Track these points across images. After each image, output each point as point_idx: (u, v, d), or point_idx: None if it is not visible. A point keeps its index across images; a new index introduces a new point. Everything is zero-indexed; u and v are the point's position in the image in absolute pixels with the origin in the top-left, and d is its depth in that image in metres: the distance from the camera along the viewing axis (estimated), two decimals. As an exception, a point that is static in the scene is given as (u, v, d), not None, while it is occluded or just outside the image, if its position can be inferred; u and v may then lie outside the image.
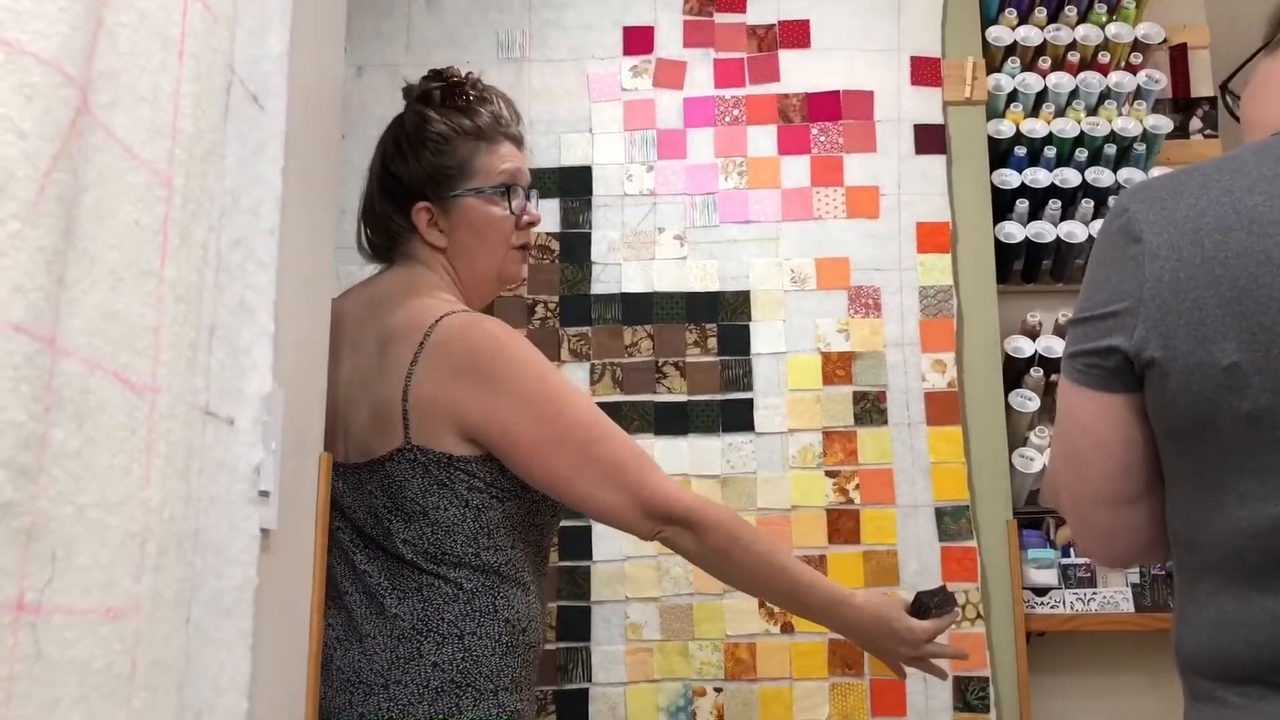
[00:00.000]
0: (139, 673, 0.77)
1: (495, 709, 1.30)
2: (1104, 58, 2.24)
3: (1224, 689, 0.94)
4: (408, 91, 1.53)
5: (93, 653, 0.71)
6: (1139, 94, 2.23)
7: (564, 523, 1.99)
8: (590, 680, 1.97)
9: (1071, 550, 2.08)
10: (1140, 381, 0.99)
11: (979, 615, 1.98)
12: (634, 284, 2.13)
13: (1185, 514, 0.99)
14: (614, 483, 1.33)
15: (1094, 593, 2.03)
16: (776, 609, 1.98)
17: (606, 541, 2.01)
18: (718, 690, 1.97)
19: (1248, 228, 0.93)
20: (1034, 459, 2.06)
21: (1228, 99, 1.24)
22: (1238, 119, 1.18)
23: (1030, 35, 2.24)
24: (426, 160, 1.45)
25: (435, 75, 1.52)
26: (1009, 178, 2.18)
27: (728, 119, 2.19)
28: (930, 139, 2.17)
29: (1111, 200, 2.14)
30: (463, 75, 1.51)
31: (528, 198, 1.52)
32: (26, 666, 0.64)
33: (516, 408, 1.32)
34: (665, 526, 1.35)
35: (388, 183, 1.49)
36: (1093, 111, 2.23)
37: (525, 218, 1.50)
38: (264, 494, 1.01)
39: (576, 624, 1.99)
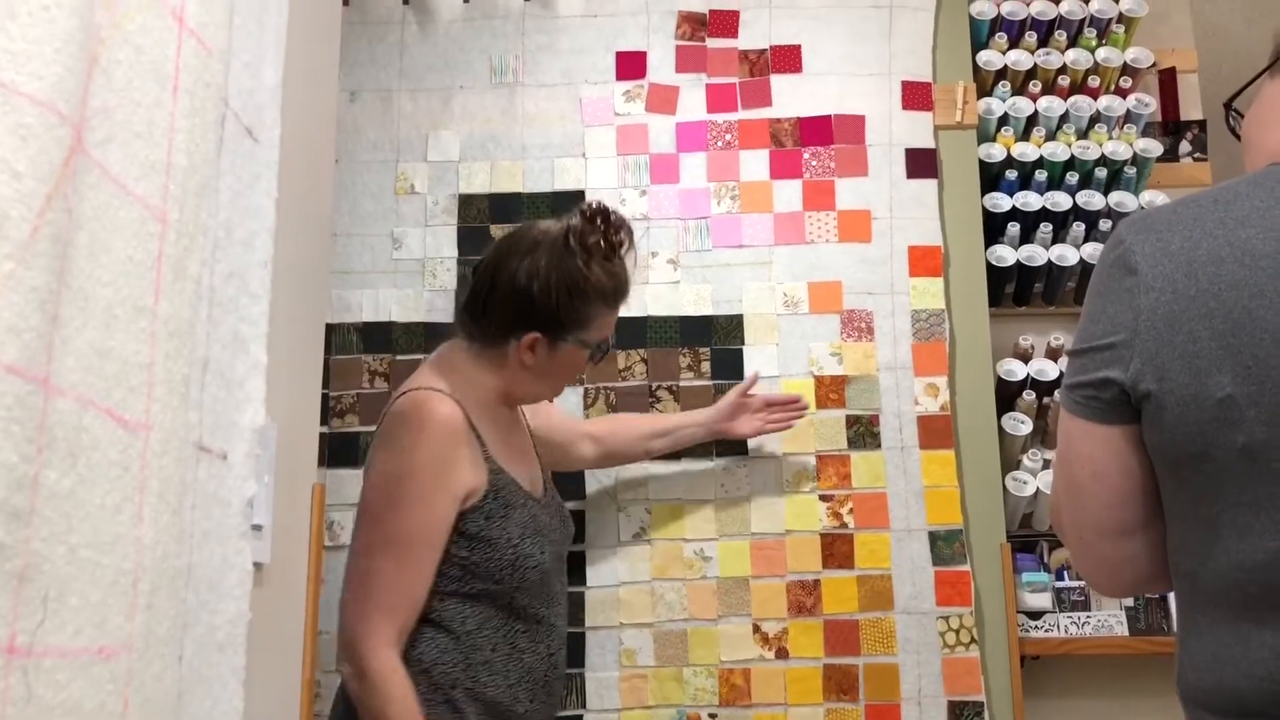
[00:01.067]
0: (131, 712, 0.76)
1: None
2: (1094, 82, 2.25)
3: None
4: (576, 231, 1.55)
5: (85, 693, 0.71)
6: (1129, 118, 2.25)
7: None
8: (585, 707, 1.95)
9: (1065, 574, 2.08)
10: (1137, 413, 0.99)
11: (973, 639, 1.97)
12: (627, 308, 2.11)
13: (1184, 546, 0.99)
14: (352, 599, 1.47)
15: (1088, 616, 2.03)
16: (771, 634, 1.97)
17: (601, 567, 2.01)
18: (712, 716, 1.95)
19: (1240, 260, 0.93)
20: (1027, 482, 2.06)
21: (1230, 117, 1.24)
22: (1239, 137, 1.18)
23: (1021, 59, 2.25)
24: (566, 306, 1.54)
25: (602, 219, 1.57)
26: (1000, 201, 2.19)
27: (720, 143, 2.20)
28: (921, 163, 2.18)
29: (1103, 224, 2.16)
30: (615, 216, 1.59)
31: None
32: (18, 710, 0.64)
33: (365, 485, 1.52)
34: (345, 664, 1.46)
35: (516, 301, 1.55)
36: (1083, 135, 2.24)
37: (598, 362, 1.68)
38: (257, 527, 1.01)
39: (571, 650, 1.97)
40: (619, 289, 1.58)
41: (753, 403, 1.98)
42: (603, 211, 1.57)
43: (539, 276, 1.53)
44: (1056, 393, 2.10)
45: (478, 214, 2.17)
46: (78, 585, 0.70)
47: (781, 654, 1.97)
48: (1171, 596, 1.99)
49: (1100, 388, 1.00)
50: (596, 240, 1.54)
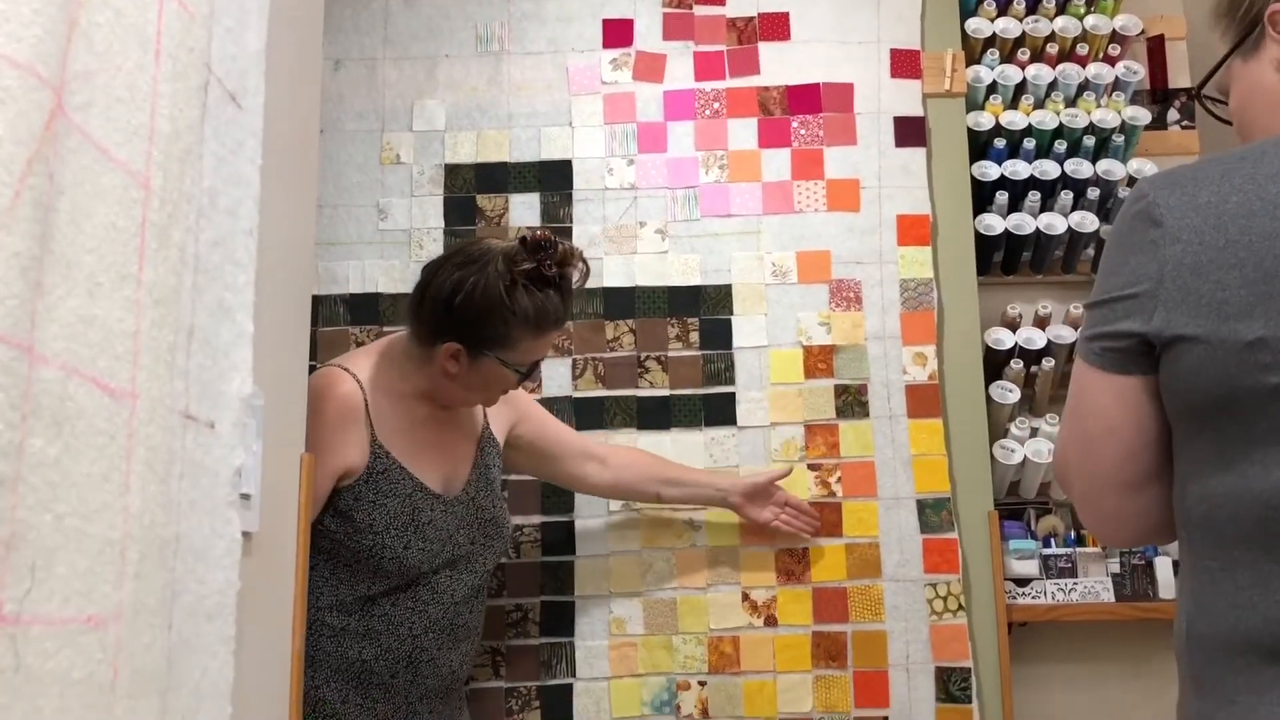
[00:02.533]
0: (121, 681, 0.76)
1: None
2: (1082, 49, 2.25)
3: (1234, 676, 0.94)
4: (509, 255, 1.58)
5: (73, 662, 0.70)
6: (1117, 85, 2.24)
7: (546, 519, 2.00)
8: (574, 675, 1.96)
9: (1052, 541, 2.09)
10: (1156, 364, 1.00)
11: (961, 606, 1.98)
12: (615, 278, 2.12)
13: (1200, 491, 0.99)
14: None
15: (1075, 583, 2.04)
16: (760, 602, 1.98)
17: (590, 537, 2.01)
18: (701, 684, 1.97)
19: (1272, 213, 0.95)
20: (1015, 450, 2.06)
21: (1207, 104, 1.24)
22: (1224, 121, 1.19)
23: (1009, 27, 2.24)
24: (485, 324, 1.58)
25: (541, 251, 1.58)
26: (988, 170, 2.19)
27: (708, 112, 2.18)
28: (910, 131, 2.17)
29: (1091, 192, 2.16)
30: (559, 250, 1.60)
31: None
32: (6, 679, 0.64)
33: None
34: None
35: (440, 309, 1.59)
36: (1071, 103, 2.23)
37: (526, 383, 1.71)
38: (245, 497, 1.00)
39: (560, 619, 1.98)
40: (543, 319, 1.59)
41: (776, 494, 1.97)
42: (544, 243, 1.58)
43: (463, 291, 1.57)
44: (1045, 361, 2.10)
45: (464, 184, 2.15)
46: (65, 554, 0.70)
47: (770, 622, 1.98)
48: (1159, 561, 2.02)
49: (1120, 338, 1.01)
50: (530, 269, 1.57)
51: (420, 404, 1.67)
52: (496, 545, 1.74)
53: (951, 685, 1.96)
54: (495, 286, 1.55)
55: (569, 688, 1.96)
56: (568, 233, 2.14)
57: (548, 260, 1.57)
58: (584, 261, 1.65)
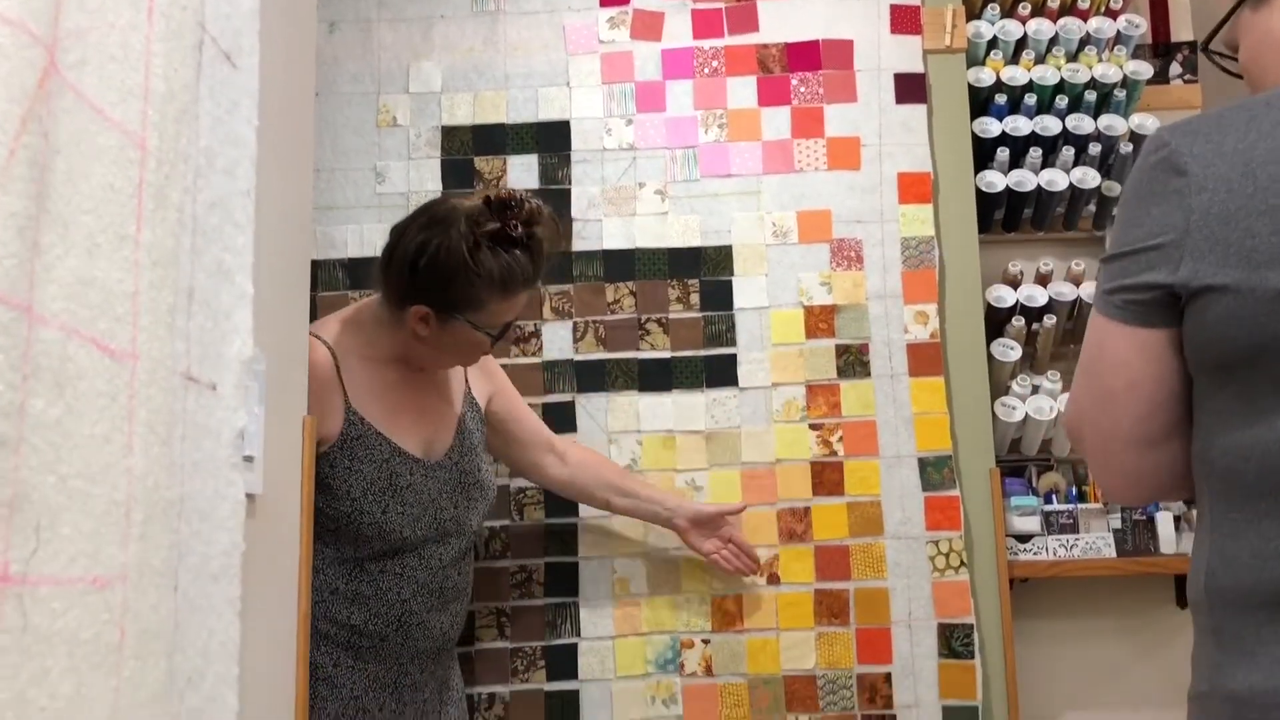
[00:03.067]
0: (128, 642, 0.77)
1: None
2: (1083, 3, 2.22)
3: (1256, 628, 0.93)
4: (472, 215, 1.55)
5: (81, 623, 0.71)
6: (1119, 39, 2.22)
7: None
8: (579, 635, 1.98)
9: (1054, 498, 2.10)
10: (1179, 316, 0.98)
11: (963, 563, 1.99)
12: (615, 240, 2.11)
13: (1225, 444, 0.98)
14: None
15: (1076, 539, 2.05)
16: (763, 561, 1.99)
17: (592, 498, 2.01)
18: (705, 642, 1.98)
19: None
20: (1016, 408, 2.06)
21: (1214, 58, 1.22)
22: (1233, 75, 1.17)
23: (1010, -19, 2.22)
24: (449, 287, 1.55)
25: (507, 209, 1.55)
26: (989, 126, 2.17)
27: (707, 70, 2.17)
28: (910, 88, 2.15)
29: (1092, 148, 2.14)
30: (525, 209, 1.57)
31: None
32: (14, 638, 0.64)
33: None
34: None
35: (406, 271, 1.56)
36: (1073, 58, 2.21)
37: (499, 345, 1.67)
38: (248, 459, 1.00)
39: (564, 580, 1.99)
40: (510, 281, 1.56)
41: (722, 528, 1.92)
42: (510, 201, 1.56)
43: (426, 253, 1.54)
44: (1047, 318, 2.10)
45: (461, 146, 2.14)
46: (69, 515, 0.70)
47: (773, 580, 1.99)
48: (1160, 517, 2.03)
49: (1143, 290, 0.99)
50: (495, 229, 1.54)
51: (395, 368, 1.65)
52: (481, 507, 1.73)
53: (954, 641, 1.97)
54: (459, 248, 1.52)
55: (574, 647, 1.97)
56: (566, 194, 2.12)
57: (513, 220, 1.54)
58: (554, 219, 1.61)
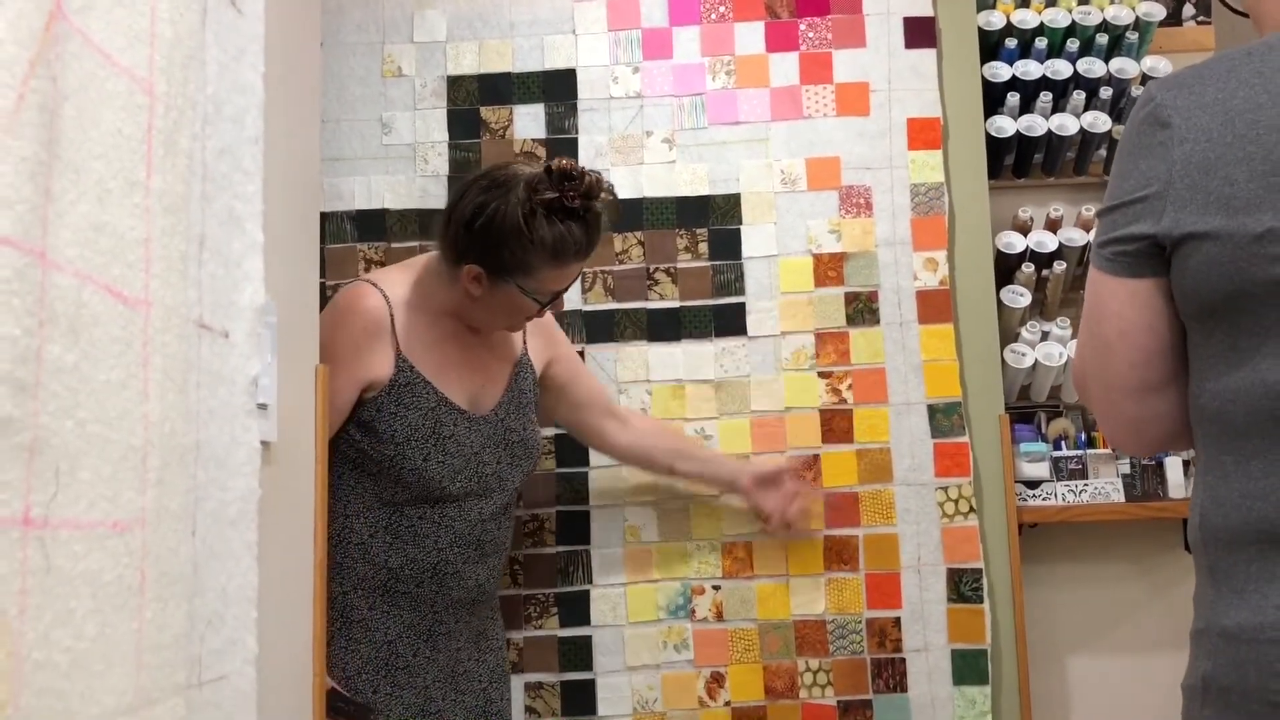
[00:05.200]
0: (149, 585, 0.78)
1: None
2: (1096, -56, 2.19)
3: (1246, 565, 0.96)
4: (532, 182, 1.56)
5: (103, 565, 0.72)
6: (1132, -19, 2.19)
7: (559, 430, 2.01)
8: (591, 582, 1.99)
9: (1063, 443, 2.10)
10: (1167, 265, 1.01)
11: (972, 509, 2.00)
12: (623, 189, 2.10)
13: (1214, 388, 1.00)
14: None
15: (1085, 484, 2.06)
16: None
17: (603, 447, 2.02)
18: (716, 588, 2.00)
19: (1279, 105, 0.94)
20: (1025, 354, 2.06)
21: None
22: (1241, 13, 1.18)
23: (1021, -78, 2.18)
24: (503, 249, 1.57)
25: (566, 179, 1.56)
26: (999, 70, 2.15)
27: (714, 16, 2.14)
28: (920, 32, 2.13)
29: (1103, 91, 2.12)
30: (585, 182, 1.58)
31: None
32: (38, 580, 0.65)
33: None
34: None
35: (463, 231, 1.59)
36: (1084, 0, 2.18)
37: (547, 310, 1.69)
38: (262, 406, 1.01)
39: (576, 528, 2.01)
40: (562, 250, 1.58)
41: (786, 486, 1.91)
42: (569, 171, 1.57)
43: (484, 214, 1.56)
44: (1057, 264, 2.09)
45: (467, 96, 2.13)
46: (88, 460, 0.71)
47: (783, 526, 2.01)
48: (1169, 461, 2.04)
49: (1131, 241, 1.02)
50: (551, 198, 1.55)
51: (449, 321, 1.68)
52: (524, 465, 1.76)
53: (963, 586, 1.98)
54: (515, 213, 1.55)
55: (586, 594, 1.99)
56: (573, 144, 2.11)
57: (571, 191, 1.56)
58: (614, 196, 1.63)
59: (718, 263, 2.09)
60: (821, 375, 2.05)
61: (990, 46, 2.18)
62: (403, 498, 1.63)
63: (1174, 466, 2.05)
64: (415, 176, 2.10)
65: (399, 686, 1.64)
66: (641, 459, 1.93)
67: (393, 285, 1.65)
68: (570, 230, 1.57)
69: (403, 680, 1.64)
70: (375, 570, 1.63)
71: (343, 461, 1.62)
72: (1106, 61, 2.14)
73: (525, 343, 1.80)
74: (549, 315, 1.83)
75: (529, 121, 2.12)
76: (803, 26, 2.14)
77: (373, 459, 1.61)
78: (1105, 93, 2.13)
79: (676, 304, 2.07)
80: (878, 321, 2.07)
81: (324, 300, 2.03)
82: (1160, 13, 2.16)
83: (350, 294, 1.64)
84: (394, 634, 1.64)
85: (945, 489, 2.01)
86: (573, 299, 2.07)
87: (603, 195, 1.61)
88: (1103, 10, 2.15)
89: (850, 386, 2.05)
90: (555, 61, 2.14)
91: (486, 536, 1.69)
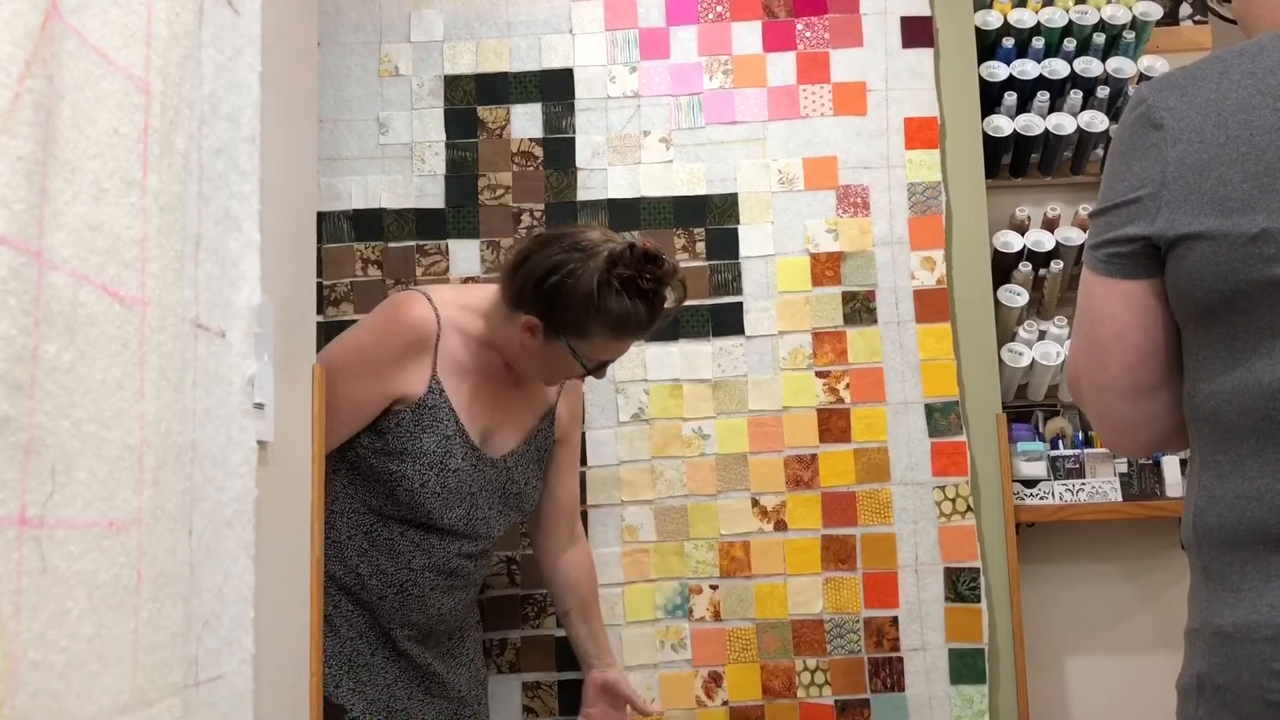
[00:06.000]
0: (145, 585, 0.77)
1: None
2: (1093, -57, 2.19)
3: (1241, 565, 0.96)
4: (615, 256, 1.56)
5: (99, 565, 0.71)
6: (1128, -20, 2.19)
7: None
8: (588, 583, 1.99)
9: (1060, 443, 2.10)
10: (1162, 266, 1.01)
11: (969, 508, 2.00)
12: (620, 189, 2.11)
13: (1209, 389, 1.00)
14: None
15: (1082, 483, 2.06)
16: (770, 508, 2.01)
17: (602, 448, 2.02)
18: (713, 588, 2.00)
19: (1273, 105, 0.95)
20: (1023, 353, 2.06)
21: (1212, 4, 1.24)
22: (1230, 20, 1.19)
23: (1018, -79, 2.18)
24: (567, 310, 1.57)
25: (646, 261, 1.57)
26: (997, 70, 2.15)
27: (711, 16, 2.14)
28: (917, 32, 2.13)
29: (1100, 91, 2.12)
30: (664, 268, 1.59)
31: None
32: (34, 580, 0.65)
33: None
34: None
35: (533, 282, 1.58)
36: (1081, 0, 2.19)
37: (591, 377, 1.69)
38: (259, 406, 1.01)
39: (573, 528, 2.01)
40: (624, 325, 1.59)
41: (622, 708, 1.83)
42: (654, 256, 1.58)
43: (559, 273, 1.56)
44: (1054, 264, 2.09)
45: (464, 96, 2.13)
46: (84, 459, 0.70)
47: (780, 526, 2.01)
48: (1166, 461, 2.04)
49: (1125, 243, 1.02)
50: (627, 274, 1.56)
51: (490, 356, 1.67)
52: (515, 517, 1.75)
53: (960, 585, 1.99)
54: (590, 281, 1.55)
55: (583, 594, 1.99)
56: (571, 143, 2.11)
57: (648, 273, 1.57)
58: (684, 286, 1.64)
59: (715, 262, 2.09)
60: (819, 375, 2.05)
61: (987, 46, 2.18)
62: (390, 511, 1.63)
63: (1171, 466, 2.05)
64: (412, 176, 2.10)
65: (361, 683, 1.64)
66: (560, 586, 1.85)
67: (446, 304, 1.65)
68: (636, 308, 1.58)
69: (364, 678, 1.64)
70: (345, 571, 1.63)
71: (340, 459, 1.62)
72: (1103, 61, 2.14)
73: (558, 397, 1.79)
74: (582, 396, 1.84)
75: (526, 121, 2.12)
76: (800, 26, 2.14)
77: (373, 466, 1.61)
78: (1102, 92, 2.13)
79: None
80: (875, 321, 2.07)
81: (321, 300, 2.04)
82: (1157, 12, 2.16)
83: (403, 303, 1.63)
84: (355, 633, 1.64)
85: (943, 488, 2.01)
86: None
87: (675, 283, 1.62)
88: (1100, 10, 2.15)
89: (848, 386, 2.05)
90: (552, 61, 2.14)
91: (460, 571, 1.68)
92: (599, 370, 1.67)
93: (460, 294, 1.70)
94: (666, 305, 1.63)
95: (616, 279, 1.56)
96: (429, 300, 1.63)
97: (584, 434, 2.02)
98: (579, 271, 1.56)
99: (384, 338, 1.60)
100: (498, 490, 1.69)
